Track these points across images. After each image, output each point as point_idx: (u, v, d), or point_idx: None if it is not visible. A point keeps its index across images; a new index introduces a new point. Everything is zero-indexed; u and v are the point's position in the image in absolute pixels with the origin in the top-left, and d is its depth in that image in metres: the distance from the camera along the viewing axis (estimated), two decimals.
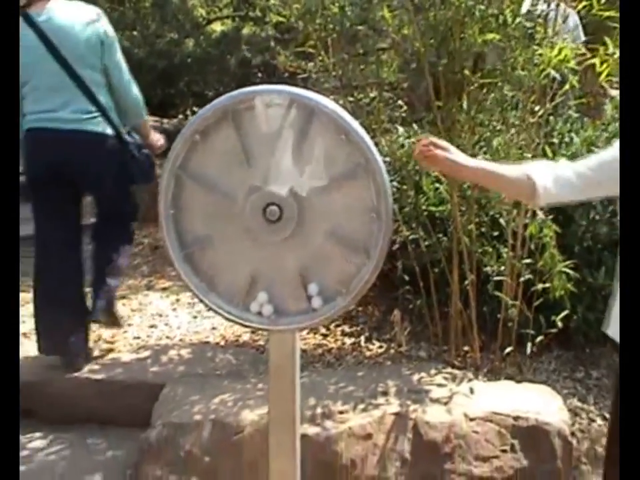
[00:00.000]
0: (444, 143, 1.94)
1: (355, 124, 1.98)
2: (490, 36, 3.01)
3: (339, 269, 2.04)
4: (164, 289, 4.14)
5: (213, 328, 3.74)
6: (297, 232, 2.00)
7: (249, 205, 1.98)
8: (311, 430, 2.64)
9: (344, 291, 2.04)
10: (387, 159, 3.27)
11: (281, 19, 3.32)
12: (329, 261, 2.03)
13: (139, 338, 3.60)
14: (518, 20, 3.05)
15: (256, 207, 1.98)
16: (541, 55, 2.94)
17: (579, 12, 3.14)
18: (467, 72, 3.09)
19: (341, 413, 2.72)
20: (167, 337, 3.63)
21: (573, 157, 3.55)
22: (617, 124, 3.57)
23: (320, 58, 3.32)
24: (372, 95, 3.33)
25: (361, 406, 2.75)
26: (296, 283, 2.04)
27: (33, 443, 3.03)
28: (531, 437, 2.69)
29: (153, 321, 3.84)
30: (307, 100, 1.96)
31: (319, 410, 2.73)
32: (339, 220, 2.01)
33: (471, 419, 2.70)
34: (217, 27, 7.00)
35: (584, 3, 2.99)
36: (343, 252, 2.02)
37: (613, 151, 1.89)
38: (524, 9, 2.43)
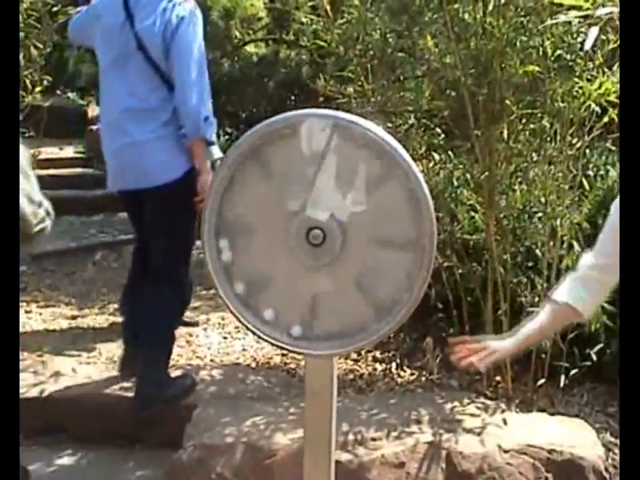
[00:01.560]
0: (478, 343, 1.90)
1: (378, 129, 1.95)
2: (530, 68, 3.02)
3: (343, 316, 2.00)
4: (194, 309, 4.15)
5: (244, 349, 3.74)
6: (329, 264, 1.97)
7: (295, 222, 1.96)
8: (344, 456, 2.63)
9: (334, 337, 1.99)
10: None
11: (322, 43, 3.36)
12: (338, 305, 1.99)
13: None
14: (558, 52, 3.07)
15: (301, 228, 1.97)
16: (581, 87, 2.94)
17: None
18: (507, 102, 3.10)
19: (374, 440, 2.71)
20: (198, 357, 3.64)
21: (609, 190, 3.54)
22: None
23: (360, 83, 3.34)
24: (410, 121, 3.34)
25: (394, 433, 2.73)
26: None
27: (62, 460, 3.04)
28: (565, 471, 2.65)
29: (183, 341, 3.85)
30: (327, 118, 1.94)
31: (351, 436, 2.72)
32: (370, 272, 1.97)
33: (505, 451, 2.67)
34: (251, 49, 7.09)
35: None
36: (360, 301, 1.98)
37: (607, 231, 1.90)
38: (588, 44, 2.43)
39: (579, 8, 2.28)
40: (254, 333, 2.03)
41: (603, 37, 3.04)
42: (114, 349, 3.67)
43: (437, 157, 3.54)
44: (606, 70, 2.98)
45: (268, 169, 1.96)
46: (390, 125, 3.37)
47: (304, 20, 4.09)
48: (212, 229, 2.01)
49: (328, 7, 3.53)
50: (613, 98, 2.94)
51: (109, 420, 3.17)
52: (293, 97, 5.94)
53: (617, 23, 3.00)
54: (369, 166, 1.94)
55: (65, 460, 3.04)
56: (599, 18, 2.25)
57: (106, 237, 5.89)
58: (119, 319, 4.15)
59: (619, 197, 1.91)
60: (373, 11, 3.35)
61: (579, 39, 3.07)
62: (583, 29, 2.98)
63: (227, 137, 6.78)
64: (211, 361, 3.60)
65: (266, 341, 2.03)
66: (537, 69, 3.02)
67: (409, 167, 1.92)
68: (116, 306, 4.41)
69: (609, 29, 3.13)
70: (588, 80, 2.96)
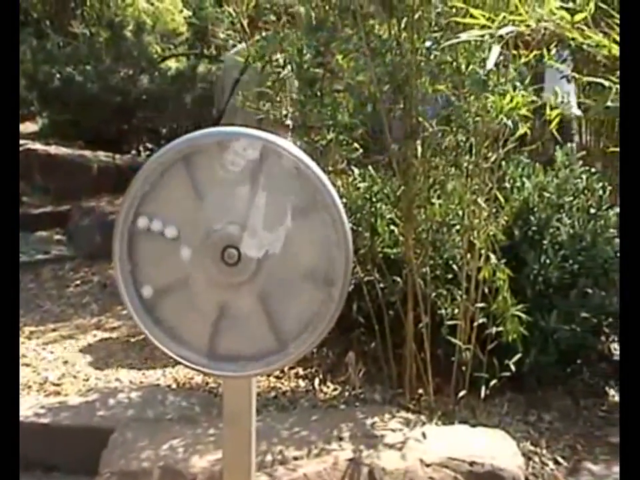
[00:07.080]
0: None
1: (307, 158, 1.93)
2: (440, 87, 3.06)
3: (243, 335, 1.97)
4: (113, 329, 4.05)
5: (164, 369, 3.66)
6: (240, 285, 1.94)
7: (207, 248, 1.92)
8: (264, 478, 2.59)
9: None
10: (343, 200, 3.27)
11: (239, 59, 3.34)
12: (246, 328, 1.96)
13: (87, 380, 3.50)
14: (471, 67, 3.11)
15: (215, 250, 1.92)
16: (493, 102, 2.99)
17: (536, 64, 3.20)
18: (421, 118, 3.13)
19: (295, 459, 2.68)
20: (117, 380, 3.54)
21: (524, 201, 3.61)
22: (567, 171, 3.63)
23: (278, 99, 3.33)
24: (329, 136, 3.33)
25: (315, 451, 2.71)
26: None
27: None
28: None
29: (102, 363, 3.75)
30: (258, 139, 1.92)
31: (270, 456, 2.68)
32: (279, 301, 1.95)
33: (427, 465, 2.68)
34: (172, 64, 7.00)
35: (535, 52, 3.07)
36: (263, 320, 1.95)
37: None
38: (490, 63, 2.47)
39: (481, 26, 2.31)
40: (170, 355, 1.99)
41: (515, 52, 3.11)
42: (30, 376, 3.55)
43: (356, 171, 3.55)
44: (517, 84, 3.04)
45: (192, 179, 1.92)
46: (308, 140, 3.37)
47: (222, 36, 4.06)
48: (125, 234, 1.95)
49: (245, 22, 3.52)
50: (524, 112, 3.00)
51: (25, 448, 3.04)
52: (213, 112, 5.90)
53: (527, 38, 3.08)
54: (295, 196, 1.90)
55: None
56: (500, 37, 2.28)
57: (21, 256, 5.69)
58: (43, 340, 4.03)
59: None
60: (290, 27, 3.35)
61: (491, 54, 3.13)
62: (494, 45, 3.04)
63: (147, 152, 6.69)
64: (130, 382, 3.51)
65: (181, 363, 1.98)
66: (443, 88, 3.06)
67: (335, 205, 1.89)
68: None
69: (520, 44, 3.20)
70: (500, 94, 3.01)
